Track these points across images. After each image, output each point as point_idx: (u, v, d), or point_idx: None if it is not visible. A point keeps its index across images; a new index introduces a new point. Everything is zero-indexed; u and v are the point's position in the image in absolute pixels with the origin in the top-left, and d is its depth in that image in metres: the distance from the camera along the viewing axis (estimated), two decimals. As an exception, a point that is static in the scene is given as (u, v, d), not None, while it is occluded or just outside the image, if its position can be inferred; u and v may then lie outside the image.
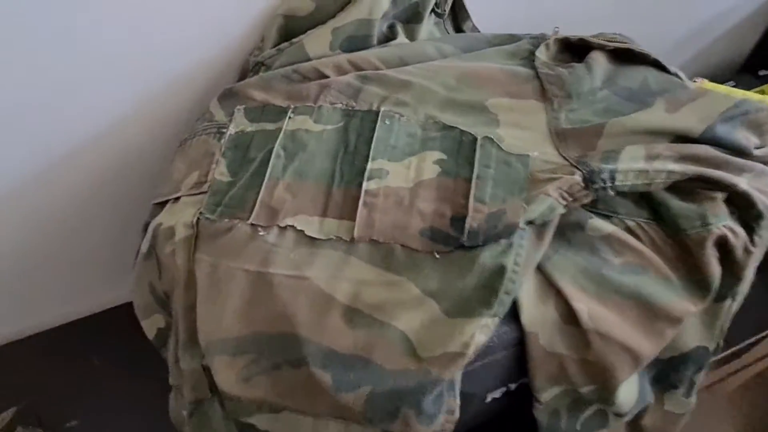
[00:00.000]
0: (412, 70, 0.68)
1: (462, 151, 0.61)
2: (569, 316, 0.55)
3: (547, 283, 0.57)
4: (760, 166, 0.61)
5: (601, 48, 0.70)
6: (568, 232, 0.60)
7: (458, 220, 0.57)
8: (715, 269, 0.57)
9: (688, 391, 0.64)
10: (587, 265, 0.58)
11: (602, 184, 0.57)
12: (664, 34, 1.14)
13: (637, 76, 0.68)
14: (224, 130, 0.67)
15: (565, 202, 0.57)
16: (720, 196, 0.59)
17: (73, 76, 0.70)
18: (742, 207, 0.59)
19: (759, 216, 0.58)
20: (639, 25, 0.86)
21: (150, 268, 0.62)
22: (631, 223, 0.60)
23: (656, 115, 0.62)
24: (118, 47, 0.70)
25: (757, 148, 0.62)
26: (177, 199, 0.63)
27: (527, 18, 0.96)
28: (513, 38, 0.76)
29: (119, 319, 0.76)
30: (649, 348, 0.55)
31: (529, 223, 0.56)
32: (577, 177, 0.57)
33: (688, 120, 0.62)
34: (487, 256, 0.54)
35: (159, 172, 0.80)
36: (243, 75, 0.77)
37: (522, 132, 0.63)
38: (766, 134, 0.63)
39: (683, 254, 0.58)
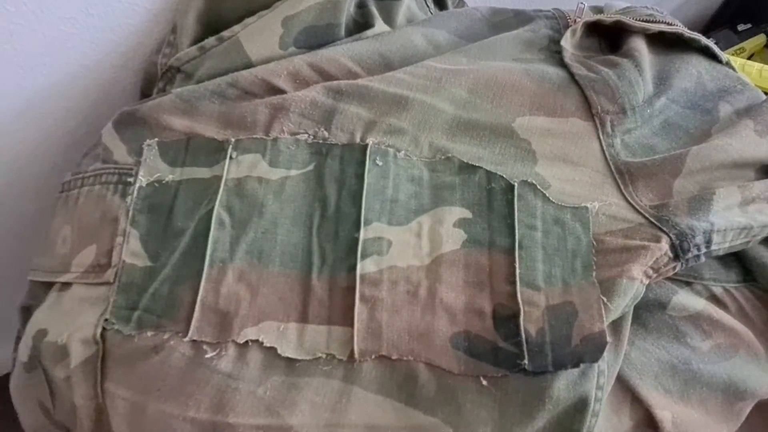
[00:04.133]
0: (404, 78, 0.47)
1: (493, 205, 0.43)
2: (646, 419, 0.43)
3: (623, 389, 0.42)
4: None
5: (641, 32, 0.53)
6: (644, 313, 0.44)
7: (504, 319, 0.39)
8: None
9: None
10: (672, 359, 0.43)
11: (696, 252, 0.41)
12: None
13: (689, 70, 0.52)
14: (129, 179, 0.45)
15: (648, 281, 0.41)
16: None
17: None
18: None
19: None
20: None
21: (36, 384, 0.43)
22: (717, 290, 0.45)
23: (747, 141, 0.46)
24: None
25: None
26: (66, 284, 0.44)
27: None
28: (520, 16, 0.57)
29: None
30: None
31: None
32: (664, 245, 0.40)
33: None
34: (561, 386, 0.37)
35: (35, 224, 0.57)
36: (147, 85, 0.52)
37: (572, 170, 0.45)
38: None
39: None
